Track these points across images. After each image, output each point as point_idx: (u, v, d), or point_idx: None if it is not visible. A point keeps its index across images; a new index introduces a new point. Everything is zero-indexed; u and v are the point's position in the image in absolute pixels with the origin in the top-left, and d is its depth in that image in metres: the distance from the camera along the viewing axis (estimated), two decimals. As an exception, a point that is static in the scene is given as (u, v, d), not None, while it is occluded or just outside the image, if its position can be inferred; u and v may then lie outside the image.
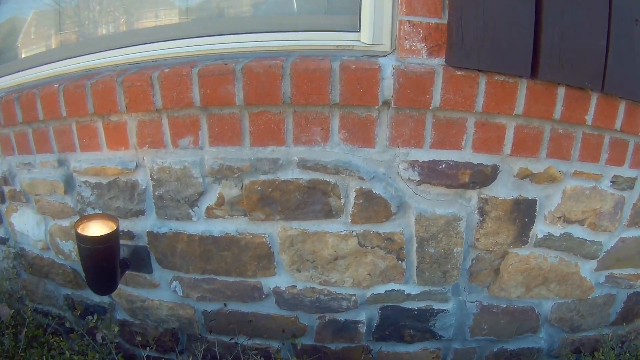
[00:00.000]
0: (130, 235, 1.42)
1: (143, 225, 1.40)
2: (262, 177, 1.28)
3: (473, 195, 1.30)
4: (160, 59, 1.37)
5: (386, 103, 1.21)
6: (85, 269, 1.36)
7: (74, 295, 1.61)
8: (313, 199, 1.28)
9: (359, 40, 1.27)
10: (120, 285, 1.47)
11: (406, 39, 1.21)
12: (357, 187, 1.27)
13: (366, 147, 1.25)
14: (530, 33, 1.21)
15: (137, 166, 1.37)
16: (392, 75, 1.19)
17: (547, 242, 1.37)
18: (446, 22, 1.22)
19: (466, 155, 1.27)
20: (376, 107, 1.21)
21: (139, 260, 1.42)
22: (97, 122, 1.38)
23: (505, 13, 1.20)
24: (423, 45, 1.21)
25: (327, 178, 1.27)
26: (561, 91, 1.24)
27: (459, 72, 1.20)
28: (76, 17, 1.64)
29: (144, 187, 1.37)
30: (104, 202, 1.42)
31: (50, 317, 1.65)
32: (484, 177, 1.28)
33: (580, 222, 1.39)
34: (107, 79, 1.32)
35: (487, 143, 1.26)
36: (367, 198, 1.27)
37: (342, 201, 1.28)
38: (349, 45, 1.27)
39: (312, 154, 1.26)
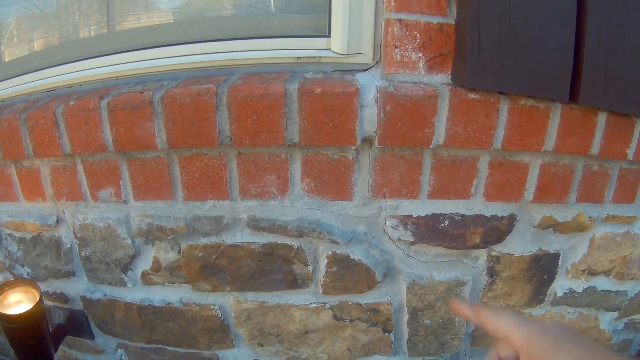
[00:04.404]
0: (63, 298, 0.84)
1: (75, 288, 0.82)
2: (203, 241, 0.69)
3: (481, 253, 0.71)
4: (75, 84, 0.75)
5: (368, 140, 0.61)
6: (12, 346, 0.80)
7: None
8: (272, 267, 0.69)
9: (329, 49, 0.65)
10: (64, 348, 0.92)
11: (396, 47, 0.59)
12: (329, 253, 0.67)
13: (340, 199, 0.65)
14: (571, 40, 0.59)
15: (58, 221, 0.77)
16: (376, 101, 0.58)
17: (567, 300, 0.78)
18: (454, 22, 0.60)
19: (476, 205, 0.67)
20: (353, 147, 0.61)
21: (78, 326, 0.85)
22: (10, 168, 0.78)
23: (540, 9, 0.57)
24: (420, 55, 0.59)
25: (289, 241, 0.67)
26: (602, 119, 0.62)
27: (473, 95, 0.58)
28: None
29: (68, 245, 0.79)
30: (31, 259, 0.84)
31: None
32: (498, 233, 0.68)
33: (606, 273, 0.80)
34: (11, 117, 0.70)
35: (504, 189, 0.66)
36: (343, 265, 0.68)
37: (310, 268, 0.69)
38: (314, 57, 0.65)
39: (266, 210, 0.66)
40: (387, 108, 0.57)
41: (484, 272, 0.71)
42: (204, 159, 0.63)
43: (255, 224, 0.65)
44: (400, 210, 0.64)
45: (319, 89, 0.56)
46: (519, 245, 0.70)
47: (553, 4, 0.56)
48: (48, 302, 0.84)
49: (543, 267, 0.73)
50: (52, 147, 0.68)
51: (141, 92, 0.62)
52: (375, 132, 0.58)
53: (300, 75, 0.62)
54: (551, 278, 0.75)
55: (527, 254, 0.71)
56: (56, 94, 0.75)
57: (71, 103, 0.66)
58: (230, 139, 0.59)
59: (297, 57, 0.64)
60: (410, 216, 0.64)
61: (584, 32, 0.58)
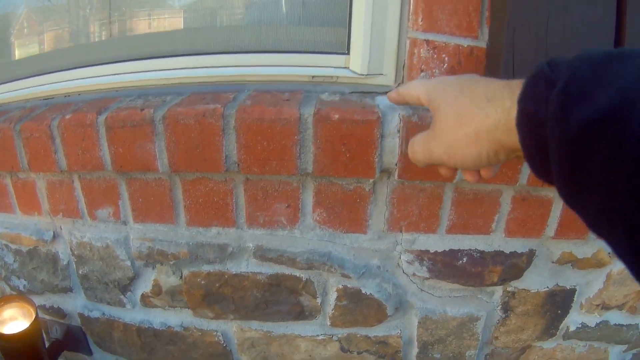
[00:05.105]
0: (61, 313, 0.77)
1: (73, 304, 0.75)
2: (206, 268, 0.61)
3: (497, 289, 0.63)
4: (73, 92, 0.67)
5: (386, 170, 0.53)
6: (6, 360, 0.74)
7: None
8: (278, 298, 0.62)
9: (347, 68, 0.57)
10: (62, 361, 0.85)
11: (422, 71, 0.51)
12: (340, 287, 0.60)
13: (353, 232, 0.57)
14: None
15: (54, 237, 0.70)
16: (399, 131, 0.49)
17: (579, 334, 0.71)
18: (485, 46, 0.52)
19: (496, 241, 0.59)
20: (371, 179, 0.54)
21: (75, 341, 0.78)
22: (5, 179, 0.69)
23: (579, 36, 0.49)
24: (447, 81, 0.51)
25: (297, 273, 0.60)
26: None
27: (502, 126, 0.51)
28: None
29: (65, 262, 0.71)
30: (28, 272, 0.76)
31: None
32: (517, 270, 0.61)
33: (620, 307, 0.73)
34: (6, 126, 0.61)
35: (526, 224, 0.58)
36: (353, 299, 0.61)
37: (319, 300, 0.62)
38: (330, 76, 0.57)
39: (274, 240, 0.58)
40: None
41: (499, 308, 0.64)
42: (208, 183, 0.55)
43: (262, 254, 0.57)
44: (416, 245, 0.57)
45: (336, 116, 0.48)
46: (536, 280, 0.63)
47: (591, 32, 0.48)
48: (45, 316, 0.77)
49: (558, 303, 0.66)
50: (48, 162, 0.60)
51: (141, 110, 0.53)
52: (396, 164, 0.50)
53: (316, 97, 0.53)
54: (565, 313, 0.68)
55: (544, 290, 0.64)
56: (53, 103, 0.67)
57: (67, 116, 0.57)
58: (238, 165, 0.51)
59: (313, 76, 0.55)
60: (427, 251, 0.57)
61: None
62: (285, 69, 0.56)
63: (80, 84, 0.64)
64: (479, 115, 0.27)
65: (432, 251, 0.57)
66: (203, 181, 0.55)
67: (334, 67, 0.55)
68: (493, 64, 0.50)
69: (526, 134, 0.24)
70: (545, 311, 0.67)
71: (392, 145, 0.49)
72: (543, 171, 0.24)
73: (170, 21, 0.62)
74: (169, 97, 0.57)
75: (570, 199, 0.22)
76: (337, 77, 0.55)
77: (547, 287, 0.64)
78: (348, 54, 0.55)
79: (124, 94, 0.61)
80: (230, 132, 0.50)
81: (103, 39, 0.66)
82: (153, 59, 0.59)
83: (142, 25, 0.66)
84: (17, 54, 0.72)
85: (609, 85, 0.19)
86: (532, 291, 0.63)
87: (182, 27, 0.61)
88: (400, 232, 0.56)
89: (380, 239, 0.56)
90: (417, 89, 0.36)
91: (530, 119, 0.24)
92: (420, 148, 0.35)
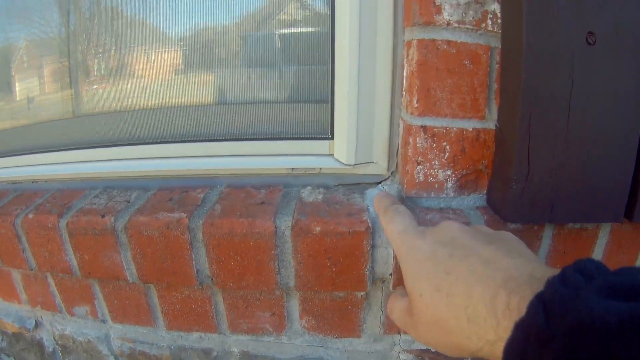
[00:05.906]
0: (55, 392, 0.74)
1: (66, 386, 0.72)
2: (192, 370, 0.57)
3: (508, 375, 0.58)
4: (40, 179, 0.61)
5: (380, 279, 0.46)
6: None
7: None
8: (270, 398, 0.57)
9: (332, 156, 0.48)
10: None
11: (419, 164, 0.42)
12: (335, 388, 0.55)
13: (346, 336, 0.50)
14: (633, 158, 0.40)
15: (37, 324, 0.65)
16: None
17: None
18: (493, 127, 0.42)
19: (506, 334, 0.53)
20: (362, 292, 0.46)
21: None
22: (-19, 263, 0.65)
23: (602, 123, 0.39)
24: (449, 173, 0.42)
25: (288, 376, 0.54)
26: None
27: (512, 226, 0.42)
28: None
29: (51, 349, 0.67)
30: (16, 352, 0.73)
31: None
32: None
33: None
34: None
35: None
36: (350, 399, 0.55)
37: (314, 398, 0.57)
38: (312, 168, 0.49)
39: (260, 346, 0.52)
40: (405, 250, 0.41)
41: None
42: (184, 290, 0.49)
43: (249, 359, 0.51)
44: (416, 345, 0.50)
45: (318, 228, 0.40)
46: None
47: (618, 115, 0.38)
48: (41, 393, 0.74)
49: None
50: (17, 260, 0.54)
51: (102, 216, 0.46)
52: (390, 274, 0.42)
53: (296, 195, 0.45)
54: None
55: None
56: (21, 189, 0.60)
57: (30, 216, 0.51)
58: (212, 279, 0.44)
59: (292, 169, 0.47)
60: (427, 350, 0.50)
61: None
62: (261, 161, 0.47)
63: (44, 171, 0.57)
64: (459, 334, 0.25)
65: (433, 350, 0.50)
66: (178, 288, 0.49)
67: (316, 156, 0.47)
68: (504, 151, 0.41)
69: None
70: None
71: (385, 255, 0.41)
72: None
73: (135, 101, 0.54)
74: (134, 195, 0.49)
75: None
76: (320, 168, 0.46)
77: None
78: (332, 139, 0.47)
79: (89, 185, 0.54)
80: (199, 245, 0.43)
81: (65, 117, 0.58)
82: (116, 146, 0.52)
83: (107, 107, 0.58)
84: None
85: None
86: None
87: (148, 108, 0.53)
88: (398, 333, 0.49)
89: (377, 341, 0.49)
90: (391, 240, 0.33)
91: None
92: (399, 324, 0.32)
